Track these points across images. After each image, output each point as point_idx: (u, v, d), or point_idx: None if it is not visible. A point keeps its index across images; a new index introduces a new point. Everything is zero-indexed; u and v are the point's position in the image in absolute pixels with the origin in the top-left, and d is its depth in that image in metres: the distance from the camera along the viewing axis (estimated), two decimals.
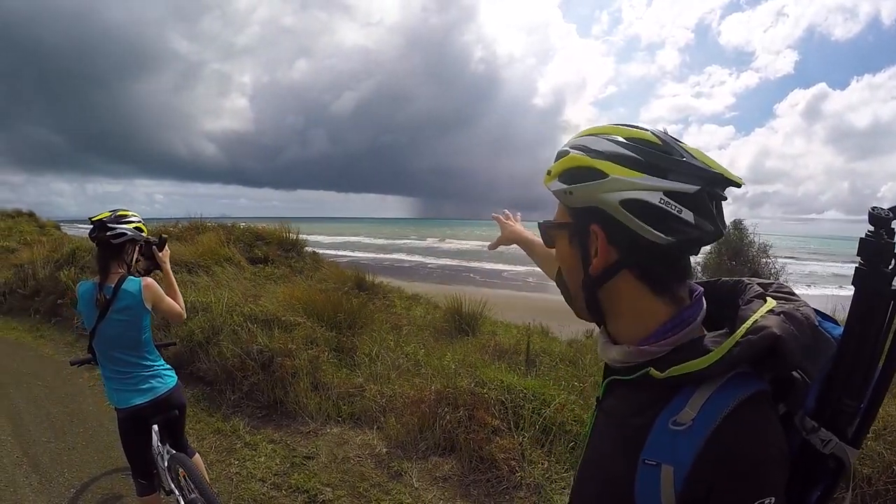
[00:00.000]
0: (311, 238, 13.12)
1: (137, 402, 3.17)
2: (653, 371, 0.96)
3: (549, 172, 1.08)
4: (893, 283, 0.89)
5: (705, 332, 1.00)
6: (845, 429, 0.92)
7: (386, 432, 5.10)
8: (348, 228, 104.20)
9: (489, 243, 2.19)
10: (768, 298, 1.01)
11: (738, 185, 0.99)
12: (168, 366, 3.46)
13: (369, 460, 4.76)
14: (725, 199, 0.98)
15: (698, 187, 0.94)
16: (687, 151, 0.98)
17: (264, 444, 4.98)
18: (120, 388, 3.19)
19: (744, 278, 1.15)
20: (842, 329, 0.95)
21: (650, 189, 0.94)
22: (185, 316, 3.54)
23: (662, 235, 0.94)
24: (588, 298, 1.09)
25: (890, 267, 0.88)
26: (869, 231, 0.90)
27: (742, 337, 0.90)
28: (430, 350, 6.83)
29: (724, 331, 0.97)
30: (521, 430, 4.82)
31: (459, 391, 5.09)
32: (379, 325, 7.58)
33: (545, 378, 5.78)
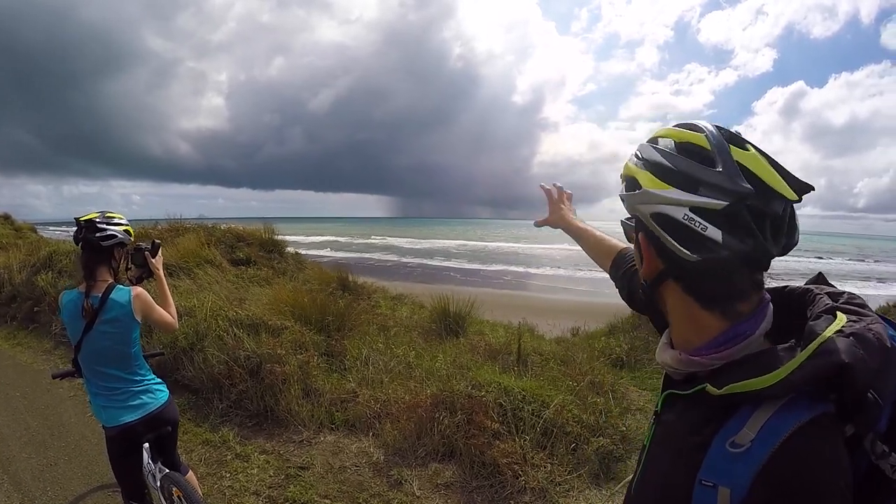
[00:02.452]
0: (291, 238, 13.00)
1: (128, 420, 2.96)
2: (709, 388, 0.92)
3: (620, 176, 1.09)
4: None
5: (770, 346, 0.93)
6: None
7: (382, 439, 4.95)
8: (327, 228, 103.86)
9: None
10: (838, 313, 0.93)
11: (792, 200, 0.92)
12: (159, 380, 3.23)
13: (367, 469, 4.61)
14: (780, 214, 0.92)
15: (726, 203, 0.89)
16: (734, 158, 0.92)
17: (256, 454, 4.80)
18: (108, 405, 2.97)
19: (812, 286, 1.08)
20: None
21: (675, 204, 0.93)
22: (178, 326, 3.36)
23: (688, 252, 0.92)
24: (647, 299, 1.10)
25: None
26: None
27: (807, 359, 0.85)
28: (420, 352, 6.71)
29: (789, 344, 0.90)
30: (522, 433, 4.72)
31: (456, 395, 4.99)
32: (366, 327, 7.43)
33: (540, 379, 5.70)
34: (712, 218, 0.90)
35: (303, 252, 13.36)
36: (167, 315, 3.16)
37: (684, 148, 0.98)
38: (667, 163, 0.97)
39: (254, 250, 11.03)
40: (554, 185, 2.06)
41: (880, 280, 34.19)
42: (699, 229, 0.90)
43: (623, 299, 1.49)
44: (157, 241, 3.42)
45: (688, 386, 1.00)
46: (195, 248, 10.05)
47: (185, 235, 10.92)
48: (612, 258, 1.68)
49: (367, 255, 43.59)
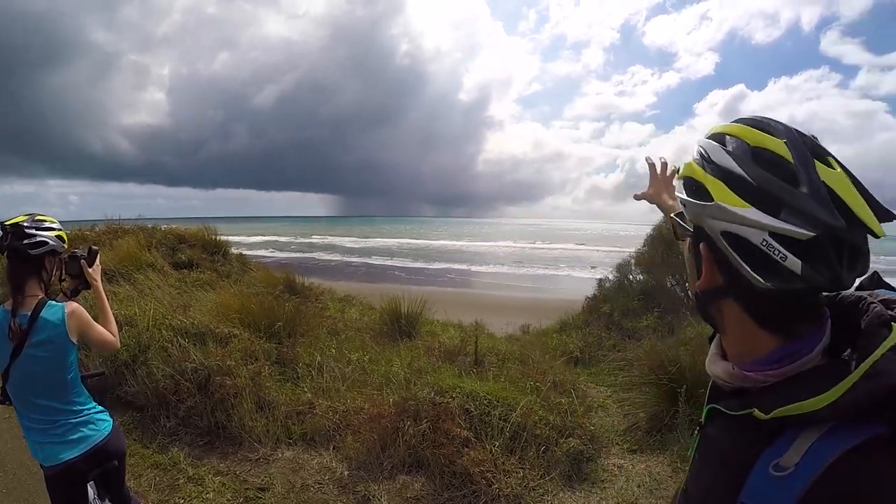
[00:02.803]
0: (234, 239, 12.67)
1: (68, 457, 2.59)
2: (756, 413, 0.88)
3: (677, 171, 1.11)
4: None
5: (824, 361, 0.90)
6: None
7: (344, 452, 4.70)
8: (270, 228, 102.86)
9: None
10: (893, 325, 0.85)
11: (879, 236, 0.84)
12: (101, 408, 2.86)
13: (331, 486, 4.36)
14: (860, 244, 0.84)
15: (813, 234, 0.80)
16: (821, 179, 0.84)
17: (210, 476, 4.46)
18: (44, 440, 2.60)
19: (865, 294, 0.98)
20: None
21: (754, 227, 0.84)
22: (119, 345, 3.01)
23: (760, 279, 0.85)
24: (699, 309, 1.06)
25: None
26: None
27: (859, 379, 0.80)
28: (374, 356, 6.51)
29: (843, 359, 0.87)
30: (491, 438, 4.59)
31: (420, 402, 4.79)
32: (317, 331, 7.17)
33: (501, 380, 5.61)
34: (793, 247, 0.82)
35: (246, 253, 13.05)
36: (107, 333, 2.78)
37: (762, 157, 0.88)
38: (744, 174, 0.88)
39: (196, 252, 10.60)
40: (661, 158, 1.94)
41: None
42: (778, 258, 0.83)
43: None
44: (94, 247, 3.02)
45: (734, 403, 0.96)
46: (135, 251, 9.56)
47: (124, 238, 10.41)
48: None
49: (310, 255, 43.31)
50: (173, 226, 11.78)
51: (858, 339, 0.87)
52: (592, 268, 32.10)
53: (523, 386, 5.53)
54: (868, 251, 0.86)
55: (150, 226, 11.70)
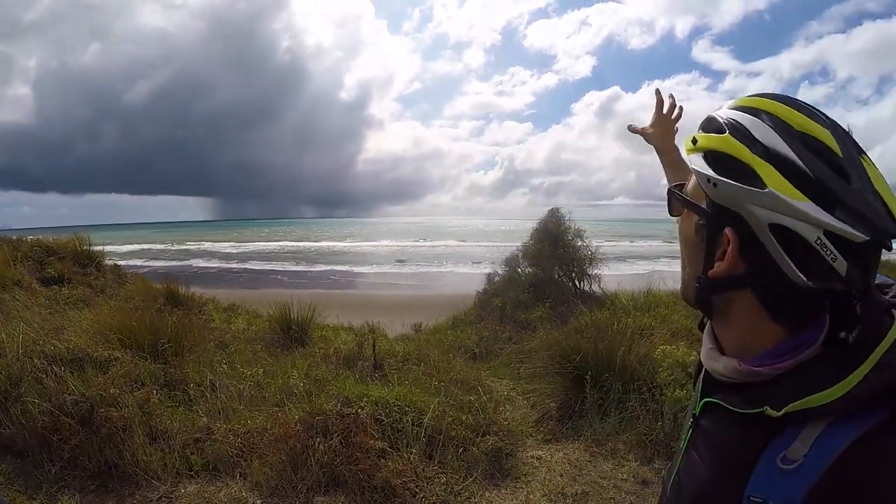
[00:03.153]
0: (107, 248, 11.97)
1: None
2: (769, 411, 0.86)
3: (694, 141, 0.95)
4: None
5: (822, 350, 0.89)
6: None
7: (253, 479, 4.34)
8: (145, 235, 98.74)
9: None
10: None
11: None
12: None
13: None
14: (891, 248, 0.84)
15: (867, 238, 0.79)
16: (867, 175, 0.82)
17: None
18: None
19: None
20: None
21: (811, 223, 0.81)
22: None
23: (804, 278, 0.83)
24: (699, 296, 1.00)
25: None
26: None
27: (871, 370, 0.80)
28: (269, 368, 6.20)
29: (839, 349, 0.87)
30: (407, 447, 4.48)
31: (327, 415, 4.57)
32: (205, 346, 6.77)
33: (405, 383, 5.55)
34: (845, 249, 0.81)
35: (122, 263, 12.35)
36: None
37: (813, 146, 0.83)
38: (803, 165, 0.82)
39: (67, 265, 9.77)
40: (670, 95, 1.83)
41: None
42: (829, 258, 0.81)
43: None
44: None
45: (739, 400, 0.93)
46: None
47: None
48: None
49: (188, 263, 42.14)
50: (40, 237, 10.86)
51: (858, 324, 0.86)
52: (475, 263, 32.90)
53: (428, 387, 5.48)
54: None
55: (14, 237, 10.73)
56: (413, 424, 4.64)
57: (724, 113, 0.92)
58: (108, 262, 11.06)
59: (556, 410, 5.67)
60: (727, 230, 0.90)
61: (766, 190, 0.83)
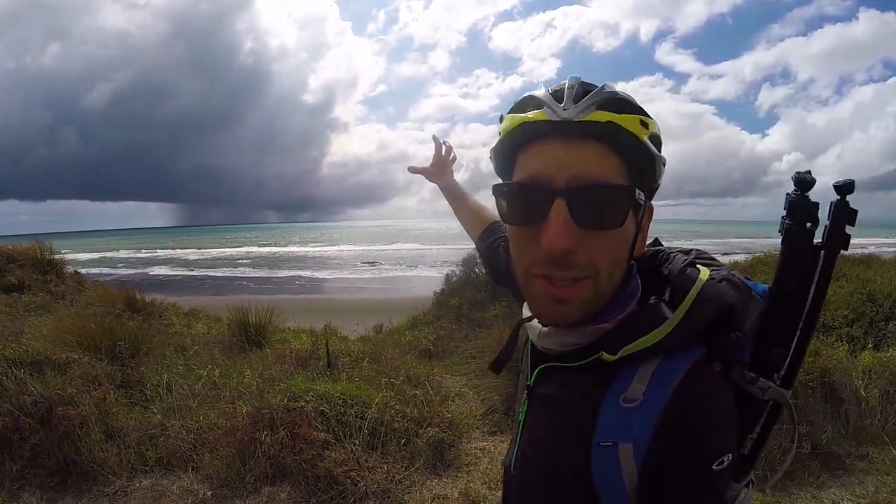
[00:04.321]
0: (68, 256, 11.86)
1: None
2: (605, 356, 0.93)
3: (646, 125, 0.94)
4: (815, 239, 0.97)
5: (637, 306, 1.00)
6: (774, 374, 0.99)
7: (204, 472, 4.56)
8: (106, 242, 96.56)
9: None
10: (698, 266, 1.01)
11: None
12: None
13: None
14: None
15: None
16: None
17: None
18: None
19: (661, 247, 1.15)
20: (763, 287, 1.02)
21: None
22: None
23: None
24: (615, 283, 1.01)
25: (810, 225, 0.96)
26: (794, 192, 0.97)
27: (692, 306, 0.92)
28: (225, 370, 6.34)
29: (654, 299, 0.98)
30: (350, 438, 4.67)
31: (274, 410, 4.76)
32: (162, 349, 6.88)
33: (355, 380, 5.67)
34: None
35: (83, 271, 12.27)
36: None
37: None
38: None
39: (27, 273, 9.81)
40: (445, 142, 2.01)
41: None
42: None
43: (485, 269, 1.50)
44: None
45: (576, 356, 0.99)
46: None
47: None
48: (484, 227, 1.66)
49: (151, 270, 41.37)
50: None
51: (669, 280, 1.00)
52: (438, 266, 32.86)
53: (377, 383, 5.61)
54: None
55: None
56: (357, 417, 4.81)
57: (629, 95, 0.96)
58: (69, 269, 11.03)
59: (500, 403, 5.86)
60: (649, 204, 1.02)
61: (663, 159, 0.99)
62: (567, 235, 0.89)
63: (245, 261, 48.29)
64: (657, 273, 1.05)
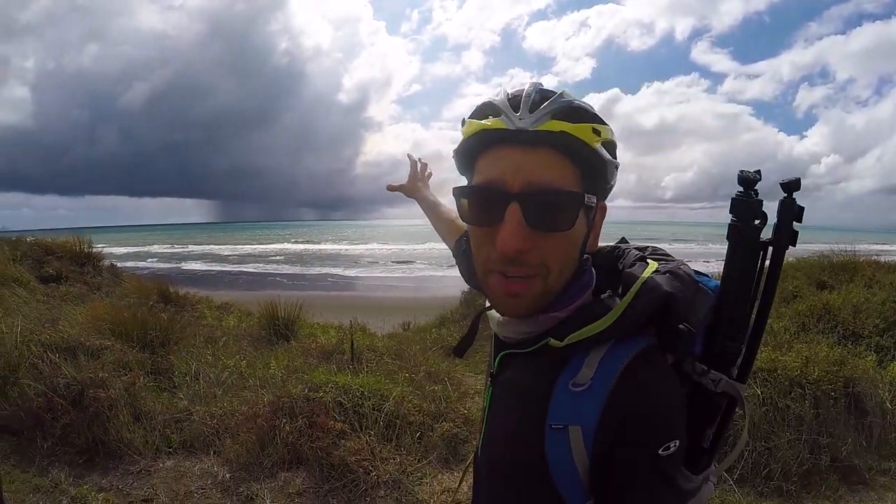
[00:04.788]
0: (106, 250, 12.08)
1: None
2: (552, 342, 0.99)
3: (598, 133, 0.99)
4: (761, 235, 1.01)
5: (592, 298, 1.07)
6: (730, 368, 1.03)
7: (225, 456, 4.76)
8: (144, 237, 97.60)
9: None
10: (649, 261, 1.07)
11: None
12: None
13: (214, 490, 4.42)
14: None
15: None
16: None
17: (93, 494, 4.36)
18: None
19: (620, 244, 1.22)
20: (715, 283, 1.06)
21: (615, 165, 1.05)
22: None
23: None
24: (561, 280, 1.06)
25: (758, 221, 1.00)
26: (739, 191, 1.01)
27: (634, 298, 0.97)
28: (252, 360, 6.53)
29: (608, 294, 1.05)
30: (366, 429, 4.78)
31: (294, 399, 4.91)
32: (193, 340, 7.09)
33: (377, 374, 5.78)
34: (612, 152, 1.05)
35: (119, 264, 12.51)
36: None
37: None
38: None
39: (65, 265, 10.08)
40: (419, 159, 2.10)
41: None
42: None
43: (462, 275, 1.56)
44: None
45: (529, 344, 1.07)
46: None
47: None
48: (458, 236, 1.70)
49: (187, 265, 41.64)
50: (39, 237, 11.14)
51: (622, 274, 1.06)
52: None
53: (398, 378, 5.72)
54: None
55: (14, 238, 11.07)
56: (373, 409, 4.92)
57: (585, 103, 1.02)
58: (106, 262, 11.26)
59: None
60: (601, 204, 1.08)
61: (617, 163, 1.05)
62: (520, 237, 0.95)
63: (279, 257, 48.53)
64: (614, 268, 1.12)
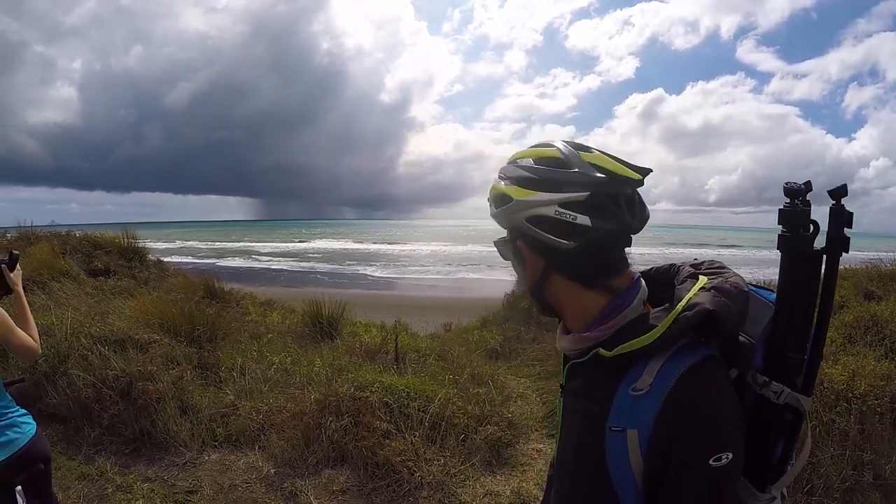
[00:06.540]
0: (151, 245, 12.21)
1: None
2: (601, 351, 1.10)
3: (488, 200, 1.24)
4: (815, 244, 1.05)
5: (650, 310, 1.13)
6: (794, 379, 1.07)
7: (270, 451, 4.78)
8: (188, 232, 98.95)
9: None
10: (700, 276, 1.15)
11: (636, 180, 1.12)
12: (24, 411, 2.80)
13: (258, 484, 4.44)
14: (631, 195, 1.12)
15: (588, 193, 1.07)
16: (584, 160, 1.11)
17: (139, 483, 4.44)
18: None
19: (676, 262, 1.30)
20: (775, 294, 1.12)
21: (545, 204, 1.10)
22: (40, 351, 2.97)
23: (565, 242, 1.09)
24: (537, 301, 1.27)
25: (810, 231, 1.05)
26: (786, 202, 1.07)
27: (679, 314, 1.03)
28: (296, 357, 6.55)
29: (664, 307, 1.10)
30: (411, 429, 4.75)
31: (340, 398, 4.91)
32: (238, 335, 7.15)
33: (421, 375, 5.77)
34: (579, 208, 1.07)
35: (164, 259, 12.65)
36: (29, 338, 2.73)
37: (542, 161, 1.15)
38: (530, 174, 1.14)
39: (113, 259, 10.19)
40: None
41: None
42: (570, 220, 1.07)
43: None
44: (15, 252, 2.98)
45: (583, 355, 1.17)
46: (49, 258, 9.07)
47: (37, 245, 9.85)
48: None
49: (230, 261, 42.06)
50: (88, 232, 11.27)
51: (675, 291, 1.13)
52: (505, 268, 32.01)
53: (442, 380, 5.70)
54: (643, 201, 1.15)
55: (63, 232, 11.25)
56: (419, 410, 4.90)
57: (499, 170, 1.23)
58: (152, 257, 11.38)
59: None
60: (518, 243, 1.20)
61: (514, 200, 1.14)
62: None
63: (320, 255, 48.58)
64: (671, 284, 1.19)
